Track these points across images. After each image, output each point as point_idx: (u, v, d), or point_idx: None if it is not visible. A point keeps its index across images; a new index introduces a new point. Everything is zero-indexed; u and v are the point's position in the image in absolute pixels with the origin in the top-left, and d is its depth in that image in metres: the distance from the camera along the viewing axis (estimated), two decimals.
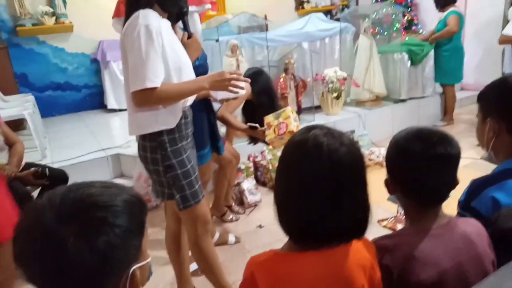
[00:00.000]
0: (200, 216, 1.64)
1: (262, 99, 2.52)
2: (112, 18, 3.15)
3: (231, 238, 2.49)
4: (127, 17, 1.44)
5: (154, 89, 1.37)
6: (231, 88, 1.49)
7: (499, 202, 1.04)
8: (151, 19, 1.38)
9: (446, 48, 4.15)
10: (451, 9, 4.06)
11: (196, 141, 1.88)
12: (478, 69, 4.86)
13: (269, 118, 2.20)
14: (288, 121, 2.07)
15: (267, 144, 2.29)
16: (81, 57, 5.14)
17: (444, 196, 0.97)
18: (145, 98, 1.40)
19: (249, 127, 2.38)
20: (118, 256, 0.61)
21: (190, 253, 2.10)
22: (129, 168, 3.31)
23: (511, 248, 0.96)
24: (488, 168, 1.20)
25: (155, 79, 1.37)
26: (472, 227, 0.97)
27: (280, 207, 0.87)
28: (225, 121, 2.44)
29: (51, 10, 4.74)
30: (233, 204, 2.90)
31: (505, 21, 4.65)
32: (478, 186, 1.11)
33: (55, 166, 2.90)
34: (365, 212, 0.84)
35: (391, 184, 1.01)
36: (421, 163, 0.93)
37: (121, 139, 3.65)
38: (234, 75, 1.48)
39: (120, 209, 0.63)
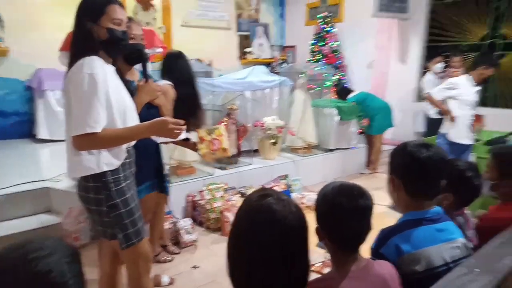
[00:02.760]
0: (143, 254, 1.66)
1: (182, 90, 2.23)
2: (60, 50, 3.14)
3: (165, 279, 2.47)
4: (71, 61, 1.48)
5: (93, 134, 1.42)
6: (174, 134, 1.55)
7: (402, 249, 1.24)
8: (96, 68, 1.44)
9: (370, 110, 4.77)
10: (349, 97, 4.87)
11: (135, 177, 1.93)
12: (395, 127, 5.49)
13: (202, 132, 2.27)
14: (221, 138, 2.20)
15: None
16: (15, 83, 4.88)
17: (363, 241, 1.13)
18: (85, 143, 1.45)
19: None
20: None
21: None
22: (59, 203, 3.15)
23: None
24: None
25: (95, 125, 1.42)
26: (386, 269, 1.14)
27: (233, 266, 0.95)
28: None
29: None
30: (169, 243, 2.89)
31: (419, 90, 5.47)
32: (385, 235, 1.30)
33: None
34: (307, 270, 0.96)
35: (320, 232, 1.15)
36: (346, 214, 1.09)
37: (51, 172, 3.47)
38: (176, 124, 1.54)
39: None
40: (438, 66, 4.65)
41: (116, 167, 1.55)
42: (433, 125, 4.32)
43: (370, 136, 4.94)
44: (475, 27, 5.08)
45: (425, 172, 1.28)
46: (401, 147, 1.38)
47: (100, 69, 1.46)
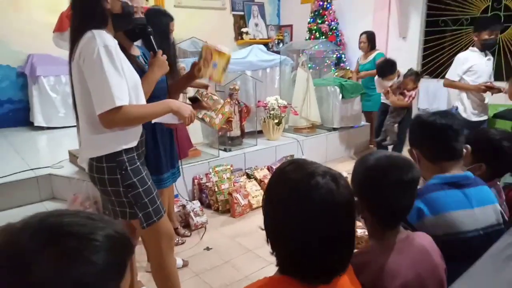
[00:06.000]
0: (164, 232, 1.63)
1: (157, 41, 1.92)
2: (54, 32, 3.01)
3: (179, 262, 2.43)
4: (76, 35, 1.39)
5: (123, 108, 1.36)
6: (188, 120, 1.60)
7: (424, 212, 1.21)
8: (108, 39, 1.38)
9: (373, 83, 4.67)
10: (377, 51, 4.61)
11: (158, 163, 1.91)
12: None
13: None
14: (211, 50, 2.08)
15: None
16: (6, 69, 4.73)
17: (407, 214, 1.08)
18: (116, 118, 1.37)
19: (189, 99, 2.24)
20: None
21: (138, 278, 2.02)
22: (62, 189, 3.08)
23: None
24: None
25: (123, 97, 1.36)
26: (426, 239, 1.09)
27: (278, 241, 0.86)
28: None
29: None
30: (179, 226, 2.85)
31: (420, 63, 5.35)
32: None
33: None
34: (352, 248, 0.87)
35: (359, 206, 1.03)
36: (397, 189, 1.01)
37: (51, 159, 3.40)
38: (192, 114, 1.61)
39: (99, 245, 0.58)
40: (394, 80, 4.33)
41: (134, 145, 1.51)
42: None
43: (369, 113, 4.89)
44: None
45: (435, 134, 1.31)
46: (416, 120, 1.44)
47: (112, 41, 1.39)
